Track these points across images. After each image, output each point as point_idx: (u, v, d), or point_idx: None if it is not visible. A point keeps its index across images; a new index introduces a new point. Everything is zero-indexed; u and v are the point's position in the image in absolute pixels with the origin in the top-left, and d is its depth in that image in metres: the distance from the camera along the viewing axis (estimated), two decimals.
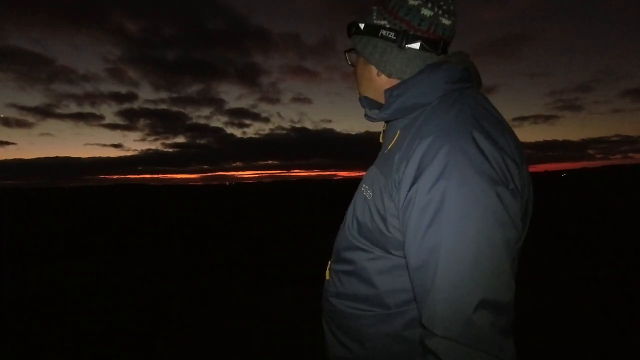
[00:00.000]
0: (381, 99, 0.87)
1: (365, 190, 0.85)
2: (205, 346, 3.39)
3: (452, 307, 0.62)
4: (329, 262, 1.00)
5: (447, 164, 0.65)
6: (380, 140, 0.97)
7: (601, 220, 10.37)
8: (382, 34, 0.81)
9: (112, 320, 4.08)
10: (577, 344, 3.08)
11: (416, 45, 0.80)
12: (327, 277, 0.98)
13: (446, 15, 0.80)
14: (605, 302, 3.99)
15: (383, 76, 0.86)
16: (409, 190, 0.69)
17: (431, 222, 0.64)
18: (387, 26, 0.81)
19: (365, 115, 0.91)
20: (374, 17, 0.83)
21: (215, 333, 3.65)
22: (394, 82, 0.86)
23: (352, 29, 0.87)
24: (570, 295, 4.24)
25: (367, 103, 0.90)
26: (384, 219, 0.77)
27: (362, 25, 0.84)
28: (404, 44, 0.80)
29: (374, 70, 0.87)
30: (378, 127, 1.04)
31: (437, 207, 0.64)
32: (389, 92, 0.82)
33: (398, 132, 0.83)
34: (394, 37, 0.80)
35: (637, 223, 9.62)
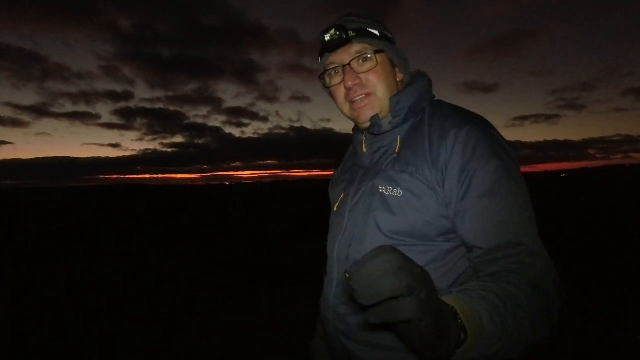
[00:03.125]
0: (385, 104, 0.96)
1: (388, 190, 0.89)
2: (204, 346, 3.39)
3: (533, 246, 0.77)
4: (345, 272, 0.96)
5: (491, 147, 0.82)
6: (364, 150, 1.02)
7: (601, 221, 10.36)
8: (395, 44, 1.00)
9: (112, 320, 4.08)
10: (580, 338, 3.08)
11: None
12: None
13: None
14: (604, 301, 3.99)
15: (398, 79, 1.01)
16: (461, 172, 0.82)
17: (495, 190, 0.79)
18: (392, 39, 1.00)
19: (372, 132, 0.97)
20: (383, 30, 0.97)
21: (215, 333, 3.65)
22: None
23: (372, 35, 0.94)
24: (571, 294, 4.24)
25: (376, 120, 0.95)
26: (427, 208, 0.85)
27: (379, 33, 0.95)
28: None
29: (397, 72, 1.00)
30: None
31: (496, 179, 0.80)
32: (396, 98, 0.94)
33: (398, 137, 0.95)
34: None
35: (637, 223, 9.61)
